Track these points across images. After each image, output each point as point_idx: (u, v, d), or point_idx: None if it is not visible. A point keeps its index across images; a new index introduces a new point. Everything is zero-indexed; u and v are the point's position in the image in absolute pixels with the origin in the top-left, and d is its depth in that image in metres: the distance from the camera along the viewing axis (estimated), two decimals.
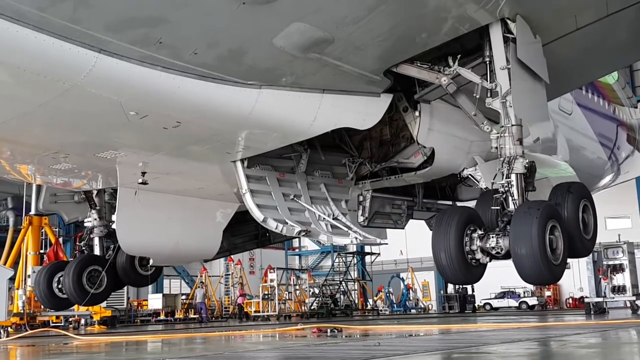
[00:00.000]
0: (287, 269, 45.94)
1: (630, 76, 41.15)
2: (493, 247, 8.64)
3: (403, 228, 14.35)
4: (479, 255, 8.75)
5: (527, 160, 8.98)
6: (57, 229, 26.03)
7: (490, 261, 8.91)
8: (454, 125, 10.97)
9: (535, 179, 9.13)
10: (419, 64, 9.66)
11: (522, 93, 9.22)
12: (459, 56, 9.74)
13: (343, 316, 36.57)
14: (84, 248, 14.23)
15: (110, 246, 14.31)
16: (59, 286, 13.83)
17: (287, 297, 38.17)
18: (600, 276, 22.40)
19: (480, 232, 8.77)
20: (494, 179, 9.21)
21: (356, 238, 11.03)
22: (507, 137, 9.07)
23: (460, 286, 40.02)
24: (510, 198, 8.80)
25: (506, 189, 8.85)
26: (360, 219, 12.92)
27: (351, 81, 9.45)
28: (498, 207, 8.81)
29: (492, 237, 8.66)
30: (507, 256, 8.64)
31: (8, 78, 7.43)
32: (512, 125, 9.06)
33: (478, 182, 11.13)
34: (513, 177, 8.87)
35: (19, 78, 7.42)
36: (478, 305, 43.63)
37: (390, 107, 10.52)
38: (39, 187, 14.19)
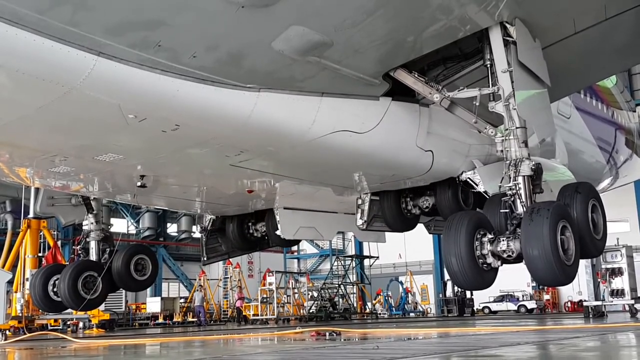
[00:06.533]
0: (286, 273, 45.83)
1: (629, 80, 41.21)
2: (504, 251, 8.55)
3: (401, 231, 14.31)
4: (490, 260, 8.67)
5: (533, 163, 8.94)
6: (55, 232, 25.96)
7: (501, 265, 8.83)
8: (453, 129, 10.96)
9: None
10: (416, 75, 9.67)
11: (525, 95, 9.22)
12: (457, 75, 9.81)
13: (342, 319, 36.55)
14: (80, 252, 14.22)
15: (106, 250, 14.32)
16: (54, 289, 13.81)
17: (286, 301, 38.16)
18: (599, 280, 22.39)
19: (490, 236, 8.70)
20: (501, 182, 9.17)
21: None
22: (512, 140, 9.05)
23: (459, 290, 40.03)
24: (518, 200, 8.75)
25: (514, 191, 8.80)
26: (359, 222, 12.91)
27: (350, 84, 9.45)
28: (507, 210, 8.77)
29: (503, 240, 8.59)
30: (518, 259, 8.57)
31: (6, 81, 7.39)
32: (517, 127, 9.06)
33: (477, 185, 11.12)
34: (520, 179, 8.84)
35: (17, 81, 7.39)
36: (477, 309, 43.63)
37: None
38: (37, 190, 14.18)
